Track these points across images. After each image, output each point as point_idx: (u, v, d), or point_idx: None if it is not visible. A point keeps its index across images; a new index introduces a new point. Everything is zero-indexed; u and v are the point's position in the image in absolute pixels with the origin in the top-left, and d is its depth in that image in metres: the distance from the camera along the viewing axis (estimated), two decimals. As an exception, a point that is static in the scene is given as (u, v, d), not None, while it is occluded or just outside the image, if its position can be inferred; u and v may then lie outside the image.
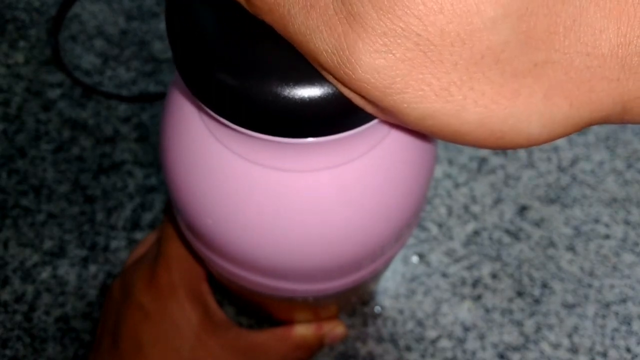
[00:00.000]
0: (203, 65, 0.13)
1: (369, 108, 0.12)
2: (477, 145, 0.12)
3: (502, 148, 0.12)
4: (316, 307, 0.26)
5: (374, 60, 0.11)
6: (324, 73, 0.12)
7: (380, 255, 0.19)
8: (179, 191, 0.18)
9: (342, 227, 0.17)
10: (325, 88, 0.12)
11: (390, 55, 0.11)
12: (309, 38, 0.11)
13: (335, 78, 0.12)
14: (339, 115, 0.13)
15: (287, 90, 0.12)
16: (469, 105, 0.11)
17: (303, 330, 0.26)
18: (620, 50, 0.11)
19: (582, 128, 0.12)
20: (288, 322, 0.29)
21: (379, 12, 0.10)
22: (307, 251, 0.17)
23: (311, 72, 0.12)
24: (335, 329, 0.27)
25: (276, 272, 0.18)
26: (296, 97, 0.12)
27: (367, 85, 0.11)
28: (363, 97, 0.12)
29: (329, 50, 0.11)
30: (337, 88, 0.12)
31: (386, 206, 0.17)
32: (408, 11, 0.10)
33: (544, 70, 0.11)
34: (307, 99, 0.12)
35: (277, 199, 0.16)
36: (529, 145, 0.12)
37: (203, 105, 0.14)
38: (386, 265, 0.22)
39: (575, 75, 0.11)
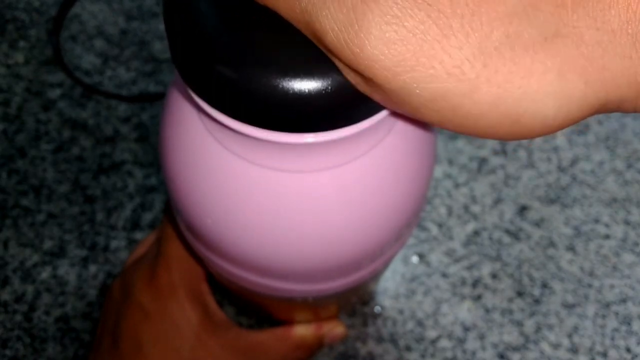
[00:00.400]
0: (200, 58, 0.13)
1: (375, 95, 0.12)
2: (490, 132, 0.11)
3: (517, 136, 0.11)
4: (316, 307, 0.26)
5: (384, 34, 0.10)
6: (330, 56, 0.12)
7: (380, 255, 0.19)
8: (179, 192, 0.18)
9: (342, 227, 0.17)
10: (326, 81, 0.12)
11: (402, 27, 0.10)
12: (315, 17, 0.11)
13: (342, 60, 0.11)
14: (338, 109, 0.13)
15: (286, 83, 0.12)
16: (482, 84, 0.11)
17: (303, 330, 0.26)
18: (629, 27, 0.10)
19: (598, 112, 0.11)
20: (288, 322, 0.29)
21: None
22: (306, 251, 0.17)
23: (311, 64, 0.12)
24: (335, 329, 0.27)
25: (276, 273, 0.18)
26: (295, 89, 0.12)
27: (375, 63, 0.11)
28: (370, 80, 0.11)
29: (337, 28, 0.11)
30: (343, 73, 0.12)
31: (386, 206, 0.17)
32: None
33: (554, 44, 0.11)
34: (307, 92, 0.12)
35: (276, 199, 0.16)
36: (544, 131, 0.11)
37: (202, 105, 0.14)
38: (386, 265, 0.22)
39: (587, 50, 0.11)
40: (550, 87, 0.11)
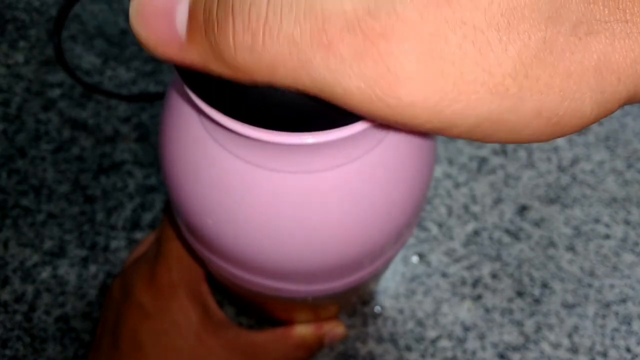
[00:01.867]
0: None
1: (406, 129, 0.11)
2: (531, 139, 0.11)
3: (555, 136, 0.11)
4: (316, 307, 0.26)
5: (421, 74, 0.10)
6: (358, 111, 0.10)
7: (380, 256, 0.20)
8: (178, 193, 0.18)
9: (342, 228, 0.17)
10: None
11: (439, 59, 0.09)
12: (334, 81, 0.10)
13: (374, 115, 0.10)
14: (338, 109, 0.13)
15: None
16: (525, 95, 0.10)
17: (303, 330, 0.26)
18: None
19: (625, 103, 0.11)
20: (288, 322, 0.29)
21: (420, 8, 0.09)
22: (307, 252, 0.17)
23: None
24: (335, 329, 0.27)
25: (276, 273, 0.18)
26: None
27: (415, 109, 0.10)
28: (406, 124, 0.10)
29: (364, 86, 0.10)
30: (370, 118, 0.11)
31: (386, 207, 0.17)
32: None
33: (589, 43, 0.10)
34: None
35: (276, 200, 0.16)
36: (580, 127, 0.11)
37: (201, 105, 0.14)
38: (386, 265, 0.22)
39: (619, 45, 0.10)
40: (588, 85, 0.11)
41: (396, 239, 0.19)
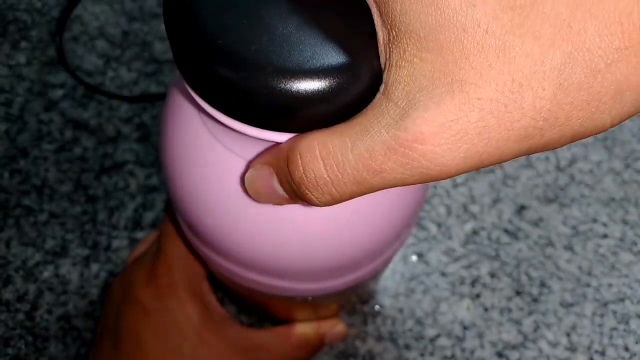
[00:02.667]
0: (199, 58, 0.13)
1: None
2: (548, 149, 0.13)
3: (572, 142, 0.13)
4: (316, 306, 0.26)
5: (456, 158, 0.12)
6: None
7: (379, 255, 0.20)
8: (179, 191, 0.18)
9: (341, 227, 0.17)
10: (324, 81, 0.12)
11: (465, 137, 0.11)
12: (392, 183, 0.12)
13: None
14: (337, 109, 0.13)
15: (284, 83, 0.12)
16: (546, 132, 0.12)
17: (304, 329, 0.27)
18: None
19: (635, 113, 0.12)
20: (288, 321, 0.29)
21: (438, 102, 0.11)
22: (305, 251, 0.17)
23: (309, 64, 0.12)
24: (336, 327, 0.27)
25: (275, 272, 0.19)
26: (293, 89, 0.12)
27: (452, 174, 0.12)
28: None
29: (411, 176, 0.12)
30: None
31: (386, 206, 0.17)
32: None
33: (608, 73, 0.11)
34: (305, 92, 0.12)
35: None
36: (597, 134, 0.12)
37: (202, 104, 0.14)
38: (386, 264, 0.22)
39: (638, 65, 0.11)
40: (607, 107, 0.11)
41: (395, 238, 0.19)
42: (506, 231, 0.33)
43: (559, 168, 0.35)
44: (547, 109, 0.11)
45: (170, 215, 0.26)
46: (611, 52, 0.11)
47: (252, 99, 0.13)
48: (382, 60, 0.12)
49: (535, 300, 0.31)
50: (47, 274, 0.31)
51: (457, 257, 0.32)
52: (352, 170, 0.12)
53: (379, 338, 0.30)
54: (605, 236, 0.33)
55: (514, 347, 0.30)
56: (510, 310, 0.31)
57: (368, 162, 0.12)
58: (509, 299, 0.31)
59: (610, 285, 0.32)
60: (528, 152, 0.12)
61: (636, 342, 0.30)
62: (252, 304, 0.28)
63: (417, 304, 0.31)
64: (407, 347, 0.30)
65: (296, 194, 0.14)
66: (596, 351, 0.30)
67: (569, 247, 0.33)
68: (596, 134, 0.12)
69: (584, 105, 0.11)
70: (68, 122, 0.36)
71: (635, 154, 0.36)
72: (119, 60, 0.38)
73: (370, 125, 0.12)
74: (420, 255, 0.32)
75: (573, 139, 0.12)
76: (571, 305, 0.31)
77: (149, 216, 0.33)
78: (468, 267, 0.32)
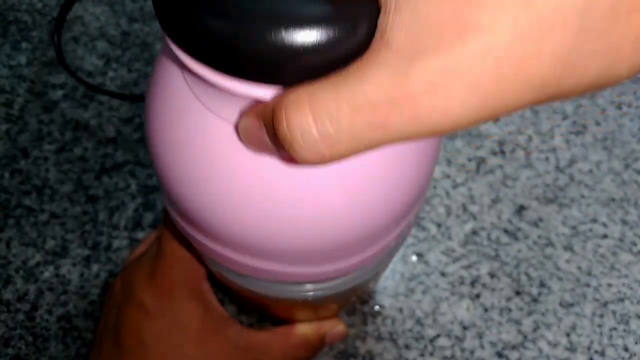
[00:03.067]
0: (181, 4, 0.12)
1: None
2: (571, 97, 0.12)
3: (590, 92, 0.12)
4: (316, 306, 0.27)
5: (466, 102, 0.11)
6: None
7: (377, 240, 0.18)
8: (162, 160, 0.17)
9: (338, 204, 0.16)
10: (313, 30, 0.11)
11: (481, 87, 0.11)
12: (393, 138, 0.11)
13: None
14: (329, 60, 0.12)
15: (271, 31, 0.11)
16: (564, 82, 0.11)
17: (304, 329, 0.27)
18: None
19: None
20: (288, 321, 0.29)
21: (451, 41, 0.10)
22: (299, 229, 0.16)
23: (301, 15, 0.11)
24: (336, 327, 0.28)
25: (269, 251, 0.17)
26: (281, 38, 0.11)
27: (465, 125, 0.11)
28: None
29: (420, 128, 0.11)
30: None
31: (386, 185, 0.16)
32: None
33: (629, 20, 0.11)
34: (293, 42, 0.11)
35: (269, 172, 0.15)
36: (615, 84, 0.12)
37: (183, 58, 0.13)
38: (385, 262, 0.22)
39: None
40: (626, 55, 0.11)
41: (395, 224, 0.18)
42: (506, 231, 0.33)
43: (558, 168, 0.35)
44: (566, 56, 0.10)
45: (169, 217, 0.26)
46: (632, 0, 0.10)
47: (234, 47, 0.11)
48: (380, 1, 0.11)
49: (535, 300, 0.31)
50: (47, 274, 0.31)
51: (456, 257, 0.32)
52: (347, 124, 0.11)
53: (379, 338, 0.30)
54: (604, 236, 0.33)
55: (513, 347, 0.30)
56: (510, 310, 0.31)
57: (368, 115, 0.11)
58: (509, 299, 0.31)
59: (609, 285, 0.32)
60: (542, 102, 0.11)
61: (636, 343, 0.30)
62: (252, 305, 0.28)
63: (417, 304, 0.31)
64: (407, 347, 0.30)
65: (286, 148, 0.12)
66: (596, 351, 0.30)
67: (568, 248, 0.33)
68: (611, 85, 0.11)
69: (604, 53, 0.10)
70: (68, 123, 0.36)
71: (635, 154, 0.36)
72: (119, 61, 0.39)
73: (371, 76, 0.11)
74: (420, 256, 0.32)
75: (588, 89, 0.11)
76: (571, 305, 0.31)
77: (149, 216, 0.33)
78: (468, 267, 0.32)
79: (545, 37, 0.10)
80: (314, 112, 0.11)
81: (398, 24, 0.11)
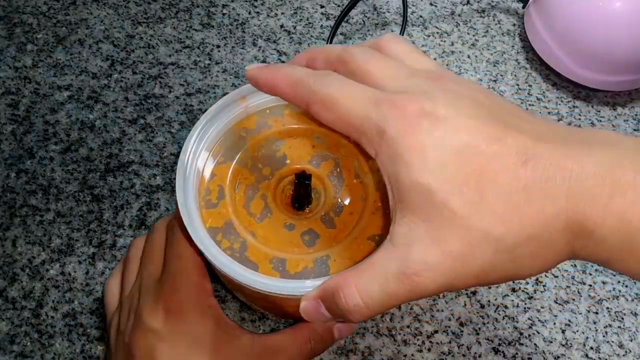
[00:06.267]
0: None
1: None
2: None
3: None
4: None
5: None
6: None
7: None
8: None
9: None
10: None
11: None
12: None
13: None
14: None
15: None
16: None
17: (312, 326, 0.27)
18: None
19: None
20: (290, 318, 0.29)
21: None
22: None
23: None
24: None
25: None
26: None
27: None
28: None
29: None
30: None
31: None
32: None
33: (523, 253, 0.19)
34: None
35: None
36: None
37: None
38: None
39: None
40: (528, 266, 0.19)
41: None
42: (502, 230, 0.34)
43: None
44: (490, 261, 0.18)
45: (173, 237, 0.26)
46: (520, 238, 0.18)
47: None
48: (391, 215, 0.19)
49: (531, 297, 0.32)
50: (52, 271, 0.32)
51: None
52: (376, 299, 0.19)
53: (378, 334, 0.30)
54: (599, 235, 0.34)
55: (510, 344, 0.30)
56: (506, 307, 0.31)
57: (385, 289, 0.19)
58: (505, 296, 0.32)
59: (604, 283, 0.32)
60: (478, 284, 0.19)
61: (631, 339, 0.31)
62: (259, 303, 0.28)
63: (415, 301, 0.31)
64: (405, 342, 0.30)
65: (340, 316, 0.20)
66: (591, 348, 0.31)
67: (564, 246, 0.33)
68: (525, 278, 0.19)
69: (509, 263, 0.18)
70: (74, 123, 0.37)
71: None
72: (124, 63, 0.39)
73: (382, 266, 0.19)
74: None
75: (507, 279, 0.19)
76: (566, 302, 0.32)
77: (153, 215, 0.34)
78: (465, 265, 0.32)
79: (476, 249, 0.18)
80: (360, 293, 0.19)
81: (399, 232, 0.19)
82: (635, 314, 0.32)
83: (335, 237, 0.24)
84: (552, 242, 0.17)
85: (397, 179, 0.18)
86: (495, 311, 0.31)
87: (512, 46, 0.42)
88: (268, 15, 0.42)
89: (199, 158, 0.25)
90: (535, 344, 0.31)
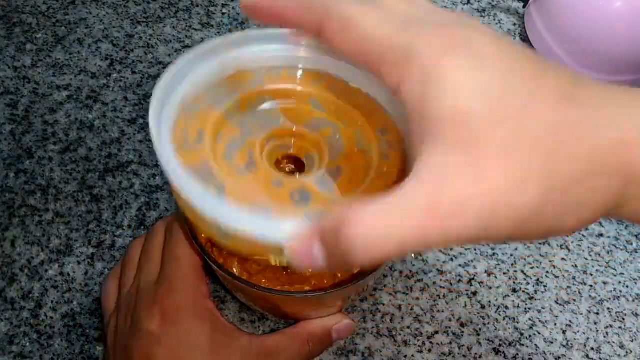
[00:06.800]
0: None
1: None
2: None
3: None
4: (320, 305, 0.27)
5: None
6: None
7: None
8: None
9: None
10: None
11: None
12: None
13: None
14: None
15: None
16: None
17: (311, 326, 0.27)
18: None
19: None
20: (290, 319, 0.29)
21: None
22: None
23: None
24: (342, 321, 0.28)
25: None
26: None
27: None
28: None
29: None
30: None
31: None
32: None
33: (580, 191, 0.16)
34: None
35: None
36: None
37: None
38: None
39: None
40: (574, 212, 0.16)
41: None
42: (503, 230, 0.33)
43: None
44: (537, 203, 0.15)
45: (173, 239, 0.26)
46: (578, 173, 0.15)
47: None
48: (415, 152, 0.16)
49: (532, 298, 0.32)
50: (52, 272, 0.32)
51: (454, 255, 0.33)
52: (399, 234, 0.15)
53: (378, 335, 0.30)
54: (600, 235, 0.34)
55: (510, 344, 0.30)
56: (506, 307, 0.31)
57: (410, 224, 0.15)
58: (506, 296, 0.32)
59: (605, 283, 0.32)
60: (513, 236, 0.16)
61: (631, 340, 0.31)
62: (258, 304, 0.28)
63: (415, 302, 0.31)
64: (406, 343, 0.30)
65: (340, 257, 0.16)
66: (592, 348, 0.30)
67: (564, 246, 0.33)
68: (564, 234, 0.16)
69: (558, 207, 0.15)
70: (73, 123, 0.37)
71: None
72: (123, 63, 0.39)
73: (406, 200, 0.15)
74: (418, 254, 0.33)
75: (548, 233, 0.16)
76: (567, 303, 0.32)
77: (152, 215, 0.33)
78: (465, 265, 0.32)
79: (524, 187, 0.15)
80: (376, 225, 0.15)
81: (431, 165, 0.16)
82: (636, 315, 0.31)
83: (331, 201, 0.21)
84: (603, 185, 0.15)
85: (428, 107, 0.16)
86: (495, 312, 0.31)
87: (513, 46, 0.42)
88: (268, 15, 0.42)
89: (180, 88, 0.22)
90: (536, 345, 0.30)
